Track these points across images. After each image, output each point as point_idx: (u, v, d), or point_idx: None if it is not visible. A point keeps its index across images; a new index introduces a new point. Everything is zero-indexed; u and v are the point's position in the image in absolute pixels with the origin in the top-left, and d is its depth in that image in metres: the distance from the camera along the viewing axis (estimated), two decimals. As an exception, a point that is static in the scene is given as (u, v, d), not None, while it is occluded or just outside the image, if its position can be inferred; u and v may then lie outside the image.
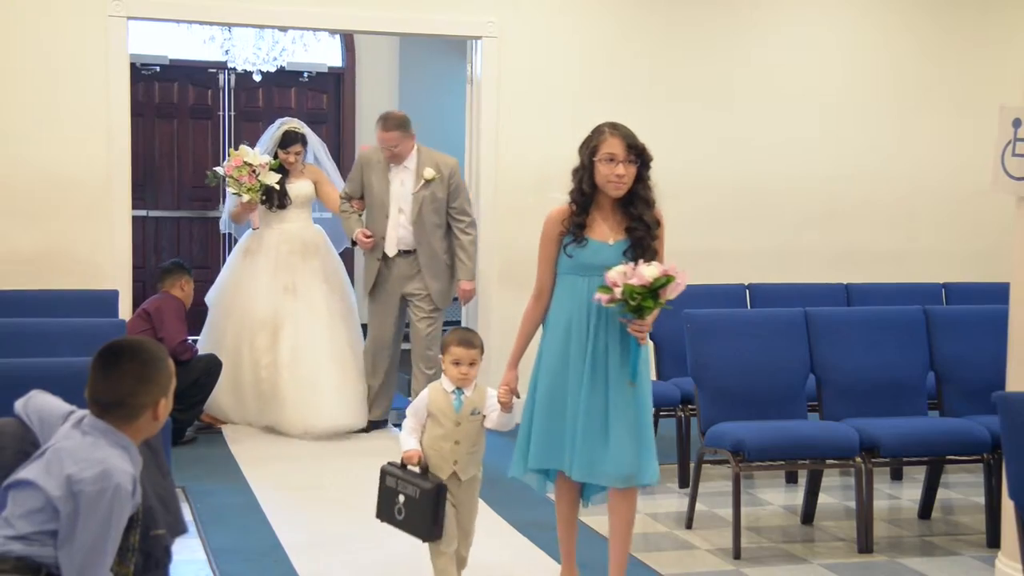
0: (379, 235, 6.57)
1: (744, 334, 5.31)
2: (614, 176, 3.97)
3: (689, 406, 5.85)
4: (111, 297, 5.94)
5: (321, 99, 10.05)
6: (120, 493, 2.71)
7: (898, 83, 7.90)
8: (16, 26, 6.48)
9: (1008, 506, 4.03)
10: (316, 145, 7.27)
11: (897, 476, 6.08)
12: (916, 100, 7.93)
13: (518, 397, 4.12)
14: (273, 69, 9.06)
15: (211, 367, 6.52)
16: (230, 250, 9.77)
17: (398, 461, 4.05)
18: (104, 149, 6.60)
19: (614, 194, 4.00)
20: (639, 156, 4.01)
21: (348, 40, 9.86)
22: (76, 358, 3.96)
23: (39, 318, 5.15)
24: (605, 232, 4.04)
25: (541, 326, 4.20)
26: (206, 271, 9.67)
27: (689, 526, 5.19)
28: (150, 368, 2.90)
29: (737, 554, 4.80)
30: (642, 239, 3.99)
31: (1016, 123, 4.37)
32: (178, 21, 7.68)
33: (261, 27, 8.33)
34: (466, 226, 6.59)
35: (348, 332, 6.93)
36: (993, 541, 4.91)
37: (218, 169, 7.04)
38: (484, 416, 4.08)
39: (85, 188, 6.58)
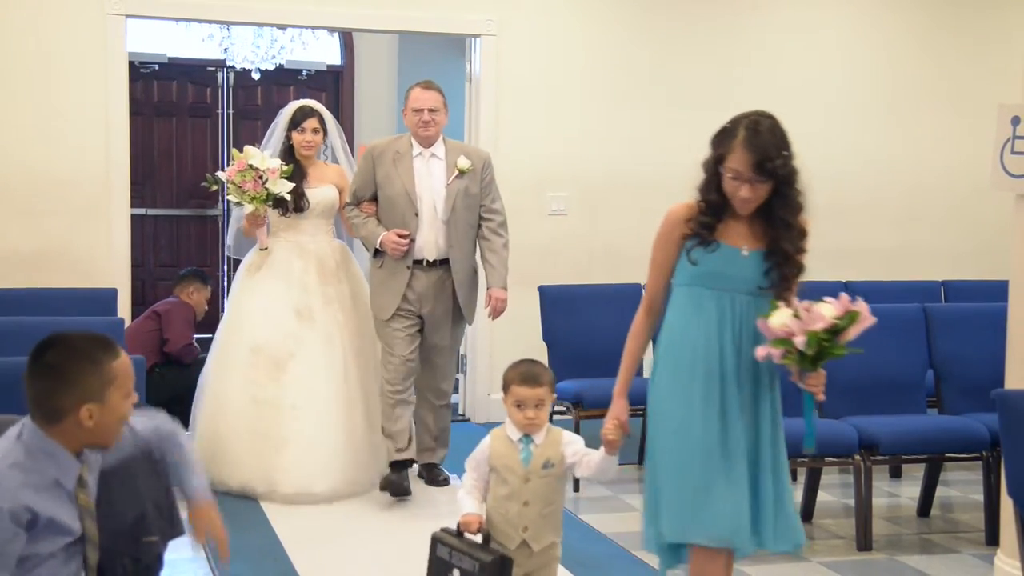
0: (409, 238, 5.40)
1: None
2: (738, 196, 3.25)
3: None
4: (110, 295, 5.94)
5: (320, 97, 9.97)
6: None
7: (898, 82, 7.90)
8: (14, 24, 6.47)
9: (1007, 504, 4.04)
10: (335, 135, 6.01)
11: (896, 474, 6.08)
12: (915, 99, 7.93)
13: (627, 434, 3.42)
14: (272, 67, 9.07)
15: None
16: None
17: (453, 526, 3.40)
18: (103, 147, 6.60)
19: (741, 212, 3.29)
20: (772, 175, 3.24)
21: (347, 38, 9.85)
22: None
23: (38, 316, 5.14)
24: (738, 237, 3.31)
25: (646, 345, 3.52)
26: (204, 270, 9.68)
27: (688, 524, 5.17)
28: (71, 366, 2.61)
29: (736, 552, 4.79)
30: (788, 255, 3.28)
31: (1015, 121, 4.37)
32: (177, 19, 7.69)
33: (260, 25, 8.35)
34: (498, 226, 5.52)
35: (362, 373, 5.67)
36: (992, 539, 4.91)
37: (219, 174, 5.83)
38: (567, 467, 3.40)
39: (84, 186, 6.58)
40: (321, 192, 5.72)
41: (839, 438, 4.96)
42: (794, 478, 5.92)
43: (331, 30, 9.05)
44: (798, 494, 5.47)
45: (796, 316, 3.14)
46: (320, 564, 4.61)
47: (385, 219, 5.41)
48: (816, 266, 8.51)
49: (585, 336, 6.29)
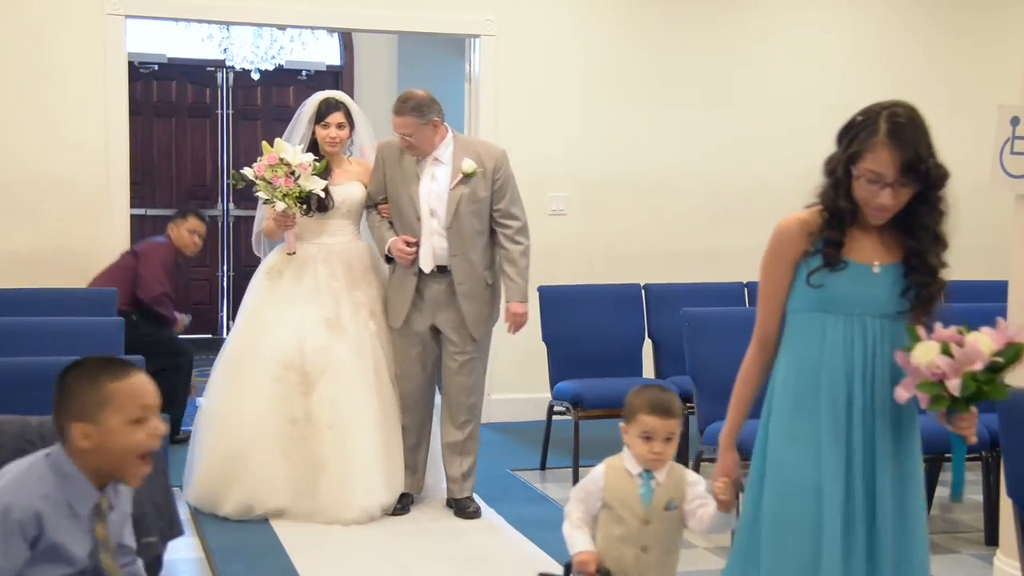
0: None
1: (742, 332, 5.17)
2: (875, 204, 2.76)
3: (688, 404, 5.83)
4: (110, 295, 5.91)
5: (320, 98, 10.03)
6: (3, 514, 2.46)
7: (897, 82, 7.87)
8: (14, 24, 6.47)
9: (1006, 504, 4.03)
10: (363, 128, 5.48)
11: (896, 474, 6.07)
12: (915, 99, 7.74)
13: (742, 491, 3.06)
14: (271, 67, 9.08)
15: (185, 352, 6.48)
16: (229, 251, 9.84)
17: (553, 570, 3.15)
18: (102, 147, 6.59)
19: (874, 221, 2.81)
20: (922, 178, 2.82)
21: (346, 38, 9.86)
22: (73, 357, 3.95)
23: (37, 317, 5.14)
24: (868, 252, 2.82)
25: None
26: (204, 270, 9.69)
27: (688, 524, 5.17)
28: (69, 383, 2.57)
29: (736, 552, 4.78)
30: (934, 271, 2.84)
31: (1014, 121, 4.36)
32: (176, 19, 7.69)
33: (259, 25, 8.35)
34: (514, 232, 5.14)
35: (390, 384, 5.28)
36: (991, 539, 4.91)
37: (246, 170, 5.24)
38: (684, 511, 3.04)
39: (83, 187, 6.58)
40: (346, 190, 5.30)
41: (839, 438, 4.95)
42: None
43: (331, 30, 9.06)
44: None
45: (946, 351, 2.65)
46: (321, 565, 4.61)
47: (395, 223, 5.16)
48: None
49: (585, 336, 6.29)
